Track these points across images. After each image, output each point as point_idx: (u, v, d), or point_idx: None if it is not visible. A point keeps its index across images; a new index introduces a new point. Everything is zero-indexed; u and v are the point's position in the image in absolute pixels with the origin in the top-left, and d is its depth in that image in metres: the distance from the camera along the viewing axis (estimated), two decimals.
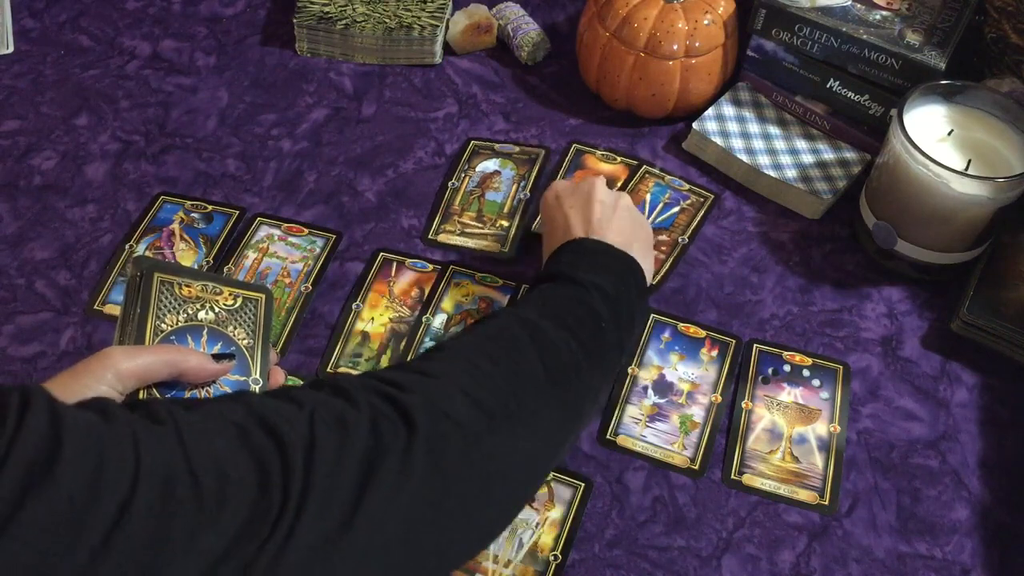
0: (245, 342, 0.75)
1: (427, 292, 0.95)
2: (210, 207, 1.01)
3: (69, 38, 1.16)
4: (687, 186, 1.04)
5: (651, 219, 1.01)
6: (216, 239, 0.99)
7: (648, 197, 1.02)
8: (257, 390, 0.73)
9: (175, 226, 1.00)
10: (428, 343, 0.92)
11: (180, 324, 0.72)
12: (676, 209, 1.02)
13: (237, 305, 0.76)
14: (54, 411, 0.52)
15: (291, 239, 0.99)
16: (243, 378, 0.73)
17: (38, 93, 1.11)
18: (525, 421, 0.68)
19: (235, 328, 0.74)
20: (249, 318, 0.76)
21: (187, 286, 0.74)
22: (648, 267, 0.87)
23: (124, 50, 1.16)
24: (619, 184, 1.04)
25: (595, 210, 0.86)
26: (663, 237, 0.99)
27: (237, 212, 1.01)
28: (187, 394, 0.70)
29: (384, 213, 1.02)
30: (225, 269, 0.97)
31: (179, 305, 0.73)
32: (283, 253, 0.98)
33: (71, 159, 1.05)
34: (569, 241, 0.85)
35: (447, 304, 0.95)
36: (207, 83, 1.13)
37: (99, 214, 1.01)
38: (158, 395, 0.69)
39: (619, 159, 1.06)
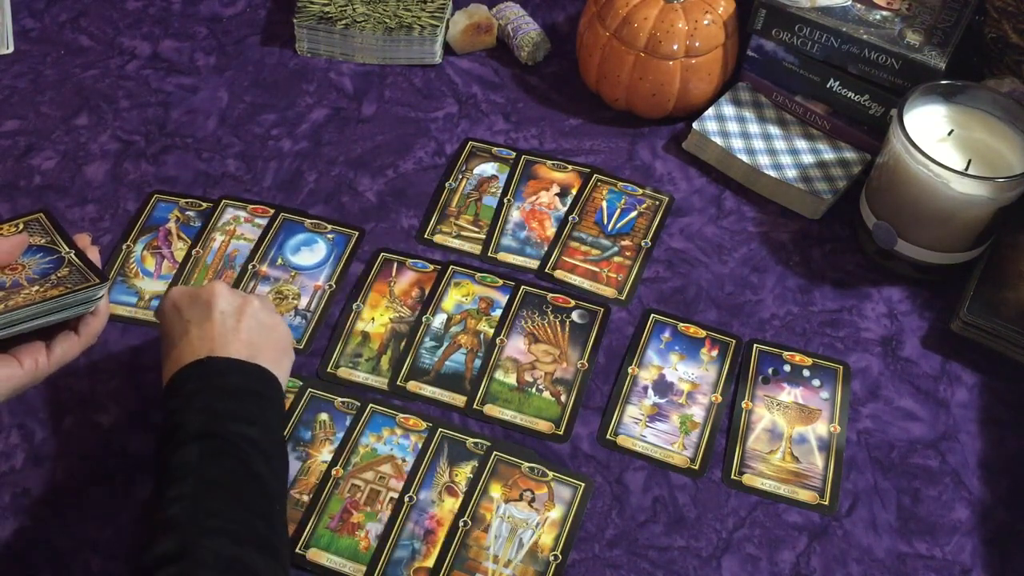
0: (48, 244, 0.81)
1: (427, 292, 0.95)
2: (204, 204, 1.01)
3: (69, 38, 1.16)
4: (640, 191, 1.04)
5: (610, 225, 1.01)
6: None
7: (604, 204, 1.02)
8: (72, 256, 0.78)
9: (171, 224, 1.00)
10: (428, 343, 0.92)
11: None
12: (634, 213, 1.02)
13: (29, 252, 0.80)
14: None
15: (257, 220, 0.99)
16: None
17: (38, 93, 1.11)
18: None
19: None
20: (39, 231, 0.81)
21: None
22: (283, 370, 0.81)
23: (124, 50, 1.16)
24: (573, 192, 1.03)
25: (216, 323, 0.79)
26: (626, 242, 0.99)
27: None
28: None
29: (384, 213, 1.02)
30: (193, 252, 0.97)
31: None
32: (250, 235, 0.98)
33: (71, 159, 1.05)
34: (193, 363, 0.77)
35: (447, 304, 0.95)
36: (207, 83, 1.13)
37: (99, 214, 1.01)
38: None
39: (571, 167, 1.05)
